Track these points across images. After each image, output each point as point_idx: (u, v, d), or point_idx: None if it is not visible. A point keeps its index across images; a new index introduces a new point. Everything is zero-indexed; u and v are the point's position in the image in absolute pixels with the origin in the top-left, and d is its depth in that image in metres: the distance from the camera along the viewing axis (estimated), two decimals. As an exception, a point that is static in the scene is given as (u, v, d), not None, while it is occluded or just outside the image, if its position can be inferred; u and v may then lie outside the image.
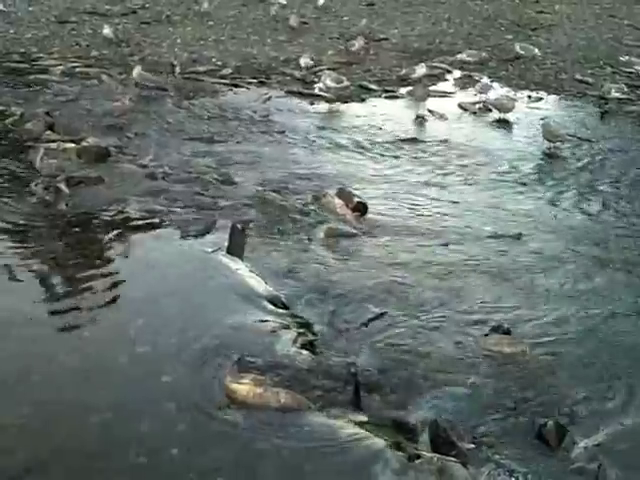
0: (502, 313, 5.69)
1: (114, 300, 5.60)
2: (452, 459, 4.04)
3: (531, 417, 4.52)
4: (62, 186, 7.45)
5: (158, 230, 6.82)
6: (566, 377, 4.93)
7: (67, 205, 7.18)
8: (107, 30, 14.16)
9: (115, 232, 6.57)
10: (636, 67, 13.37)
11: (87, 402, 4.46)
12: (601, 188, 8.32)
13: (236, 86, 12.13)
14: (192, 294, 5.76)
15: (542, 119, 9.89)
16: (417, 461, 4.04)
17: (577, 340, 5.36)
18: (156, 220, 6.96)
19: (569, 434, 4.33)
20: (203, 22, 16.20)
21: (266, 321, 5.35)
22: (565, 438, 4.31)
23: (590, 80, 12.85)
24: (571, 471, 4.14)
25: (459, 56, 13.89)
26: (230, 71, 12.77)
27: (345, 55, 14.07)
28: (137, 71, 11.53)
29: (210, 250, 6.42)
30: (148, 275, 6.09)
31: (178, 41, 14.57)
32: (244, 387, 4.45)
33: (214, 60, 13.44)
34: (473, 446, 4.22)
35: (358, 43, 14.12)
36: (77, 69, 12.22)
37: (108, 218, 6.97)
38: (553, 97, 12.25)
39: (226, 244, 6.47)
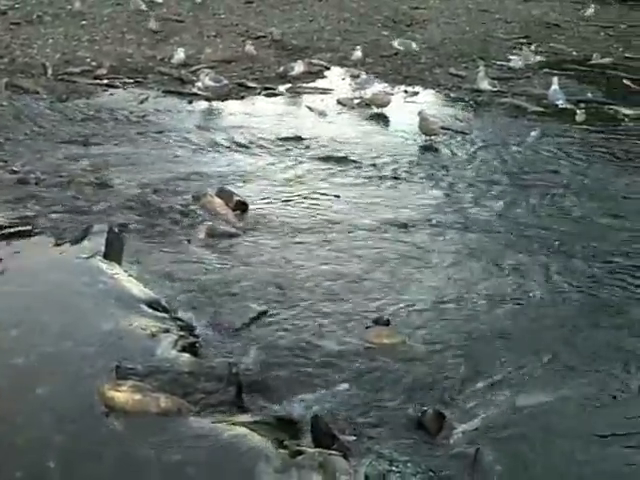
0: (384, 305, 5.76)
1: (-15, 311, 5.42)
2: (334, 452, 4.07)
3: (411, 406, 4.59)
4: None
5: (31, 238, 6.59)
6: (444, 365, 5.02)
7: None
8: (-26, 32, 13.68)
9: None
10: (507, 60, 13.83)
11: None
12: (475, 179, 8.54)
13: (111, 86, 11.94)
14: (68, 302, 5.63)
15: (418, 113, 10.05)
16: (299, 457, 4.06)
17: (454, 328, 5.48)
18: (28, 227, 6.72)
19: (448, 421, 4.42)
20: (76, 22, 15.86)
21: (145, 326, 5.25)
22: (444, 425, 4.39)
23: (464, 74, 13.22)
24: (450, 456, 4.22)
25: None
26: (105, 71, 12.55)
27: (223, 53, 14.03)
28: None
29: (86, 256, 6.27)
30: (21, 284, 5.88)
31: (50, 42, 14.20)
32: (122, 394, 4.37)
33: (88, 60, 13.18)
34: (354, 438, 4.26)
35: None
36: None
37: (-24, 227, 6.72)
38: (429, 91, 12.55)
39: (103, 249, 6.33)
